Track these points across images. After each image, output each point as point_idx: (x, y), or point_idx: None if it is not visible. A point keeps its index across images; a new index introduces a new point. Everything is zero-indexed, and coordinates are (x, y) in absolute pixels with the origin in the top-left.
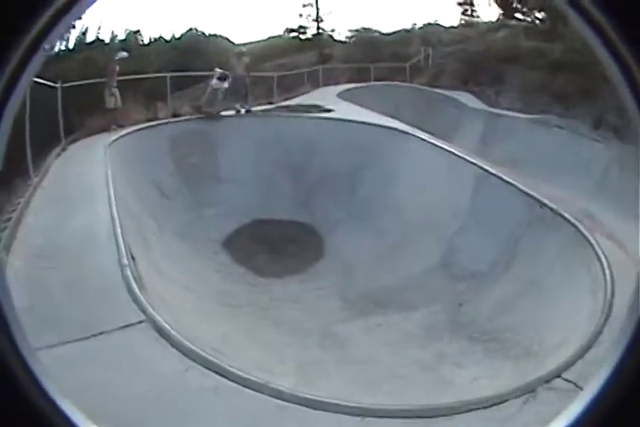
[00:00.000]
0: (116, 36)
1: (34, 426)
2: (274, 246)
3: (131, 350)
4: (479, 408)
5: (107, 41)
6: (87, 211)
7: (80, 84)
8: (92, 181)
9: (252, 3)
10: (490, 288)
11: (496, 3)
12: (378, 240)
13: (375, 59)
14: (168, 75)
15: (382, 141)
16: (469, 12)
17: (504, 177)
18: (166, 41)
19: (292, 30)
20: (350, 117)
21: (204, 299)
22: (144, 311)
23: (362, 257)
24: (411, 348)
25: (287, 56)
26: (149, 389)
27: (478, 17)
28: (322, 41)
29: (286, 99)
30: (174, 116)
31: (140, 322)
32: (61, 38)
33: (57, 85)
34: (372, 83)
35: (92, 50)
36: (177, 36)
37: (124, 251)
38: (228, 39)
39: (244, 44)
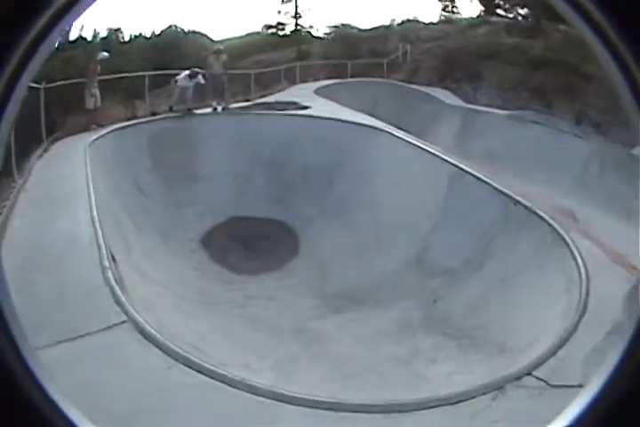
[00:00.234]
0: (98, 33)
1: (34, 426)
2: (250, 244)
3: (115, 349)
4: (449, 404)
5: (89, 39)
6: (69, 213)
7: (62, 84)
8: (73, 182)
9: None
10: (464, 285)
11: None
12: (353, 237)
13: (353, 55)
14: (147, 73)
15: (358, 139)
16: (450, 9)
17: (478, 175)
18: (146, 38)
19: (271, 27)
20: (327, 115)
21: (182, 297)
22: (126, 312)
23: (337, 254)
24: (386, 344)
25: (265, 53)
26: (134, 386)
27: (459, 13)
28: (300, 37)
29: (263, 96)
30: (153, 114)
31: (123, 322)
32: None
33: (40, 86)
34: (349, 79)
35: (75, 48)
36: (157, 32)
37: (105, 253)
38: (206, 36)
39: (222, 41)
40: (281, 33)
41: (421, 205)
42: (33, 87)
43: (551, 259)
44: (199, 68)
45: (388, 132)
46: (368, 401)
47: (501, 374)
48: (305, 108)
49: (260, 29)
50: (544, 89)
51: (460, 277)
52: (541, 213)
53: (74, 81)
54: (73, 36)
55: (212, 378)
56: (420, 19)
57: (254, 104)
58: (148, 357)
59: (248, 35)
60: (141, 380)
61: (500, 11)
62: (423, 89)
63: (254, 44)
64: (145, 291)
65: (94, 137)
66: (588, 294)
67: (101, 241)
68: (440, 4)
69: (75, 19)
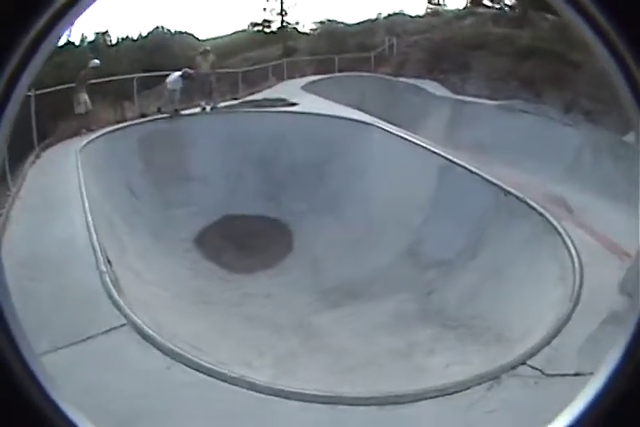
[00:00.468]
0: (86, 38)
1: (34, 426)
2: (243, 242)
3: (115, 352)
4: (445, 395)
5: (77, 44)
6: (64, 219)
7: (52, 91)
8: (66, 187)
9: None
10: (458, 276)
11: None
12: (346, 232)
13: (340, 50)
14: (135, 76)
15: (347, 134)
16: (436, 1)
17: (468, 166)
18: (133, 40)
19: (257, 24)
20: (315, 110)
21: (179, 298)
22: (125, 315)
23: (331, 249)
24: (383, 336)
25: (252, 50)
26: (134, 387)
27: (445, 5)
28: (286, 34)
29: (251, 93)
30: (142, 116)
31: (123, 325)
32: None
33: (30, 93)
34: (337, 74)
35: (64, 53)
36: (144, 34)
37: (100, 256)
38: (193, 36)
39: (208, 40)
40: (267, 30)
41: (412, 197)
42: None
43: (544, 248)
44: (189, 67)
45: (377, 126)
46: (365, 394)
47: (497, 364)
48: (293, 104)
49: (246, 27)
50: (533, 78)
51: (453, 268)
52: (532, 203)
53: (64, 87)
54: (61, 41)
55: (212, 376)
56: (407, 12)
57: (242, 102)
58: (147, 358)
59: (234, 33)
60: (142, 381)
61: (486, 1)
62: (411, 81)
63: (241, 43)
64: (142, 292)
65: (85, 142)
66: (581, 282)
67: (97, 245)
68: None
69: (75, 19)
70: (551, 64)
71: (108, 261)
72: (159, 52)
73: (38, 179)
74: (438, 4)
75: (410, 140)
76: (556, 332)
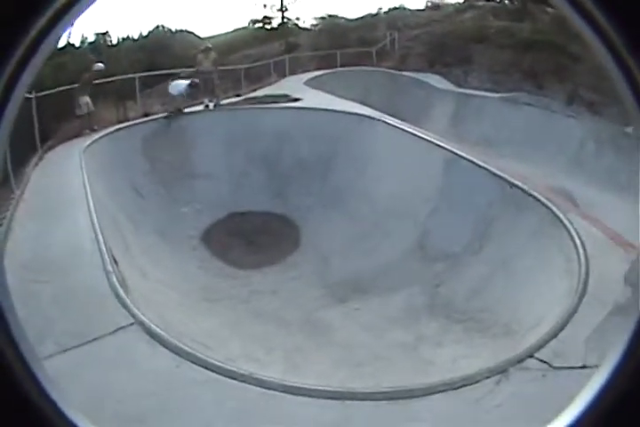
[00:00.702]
0: (86, 39)
1: (34, 426)
2: (251, 238)
3: (124, 352)
4: (453, 389)
5: (77, 45)
6: (69, 220)
7: (53, 92)
8: (70, 189)
9: None
10: (465, 269)
11: None
12: (352, 227)
13: (342, 45)
14: (137, 75)
15: (351, 128)
16: None
17: (474, 159)
18: (134, 40)
19: (257, 21)
20: (318, 106)
21: (186, 295)
22: (132, 314)
23: (338, 244)
24: (391, 330)
25: (254, 47)
26: (145, 386)
27: None
28: (287, 30)
29: (254, 90)
30: (145, 115)
31: (131, 324)
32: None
33: (31, 96)
34: (339, 69)
35: (64, 55)
36: (144, 34)
37: (107, 257)
38: (194, 34)
39: (209, 38)
40: (268, 27)
41: (418, 191)
42: (24, 97)
43: (550, 240)
44: (190, 66)
45: (381, 120)
46: (374, 389)
47: (505, 357)
48: (296, 100)
49: (246, 24)
50: (535, 71)
51: (460, 261)
52: (537, 195)
53: (65, 88)
54: (61, 42)
55: (221, 374)
56: (407, 6)
57: (245, 99)
58: (156, 356)
59: (235, 30)
60: (151, 380)
61: None
62: (414, 75)
63: (242, 40)
64: (149, 291)
65: (88, 142)
66: (587, 274)
67: (102, 245)
68: None
69: (75, 19)
70: (552, 56)
71: (115, 261)
72: (160, 51)
73: (42, 180)
74: None
75: (414, 134)
76: (563, 324)
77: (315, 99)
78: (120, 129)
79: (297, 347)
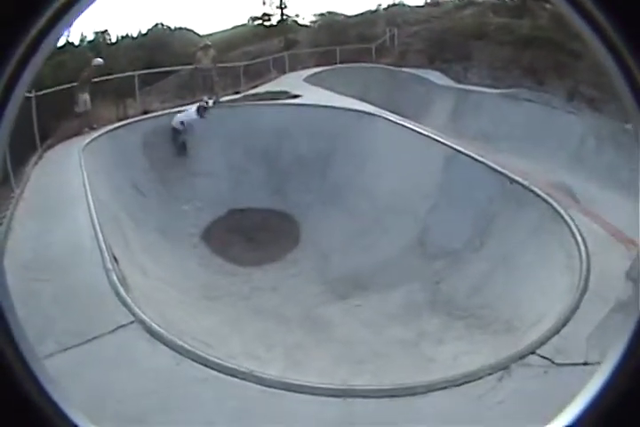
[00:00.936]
0: (85, 37)
1: (34, 426)
2: (251, 235)
3: (125, 350)
4: (455, 386)
5: (76, 44)
6: (69, 219)
7: (53, 91)
8: (70, 187)
9: None
10: (466, 265)
11: None
12: (352, 223)
13: (341, 41)
14: (136, 73)
15: (351, 125)
16: None
17: (473, 155)
18: (133, 38)
19: (257, 18)
20: (318, 102)
21: (187, 293)
22: (132, 312)
23: (338, 241)
24: (392, 327)
25: (253, 44)
26: (146, 385)
27: None
28: (287, 27)
29: (253, 87)
30: (144, 112)
31: (131, 323)
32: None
33: (31, 95)
34: (338, 65)
35: (64, 54)
36: (143, 32)
37: (107, 255)
38: (193, 31)
39: (209, 35)
40: (267, 24)
41: (418, 187)
42: (24, 96)
43: (551, 236)
44: (189, 64)
45: (381, 116)
46: (376, 386)
47: (507, 354)
48: (296, 96)
49: (246, 22)
50: (535, 67)
51: (461, 257)
52: (538, 191)
53: (64, 87)
54: (60, 41)
55: (222, 372)
56: (406, 2)
57: (245, 96)
58: (156, 355)
59: (235, 28)
60: (151, 378)
61: None
62: (413, 71)
63: (242, 37)
64: (149, 289)
65: (88, 140)
66: (588, 271)
67: (102, 244)
68: None
69: (74, 19)
70: (552, 53)
71: (115, 259)
72: (159, 49)
73: (41, 179)
74: None
75: (414, 130)
76: (565, 321)
77: (314, 95)
78: (119, 127)
79: (297, 344)
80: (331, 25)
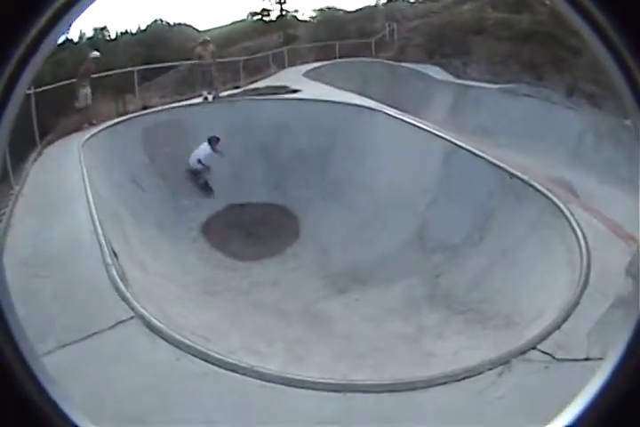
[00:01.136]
0: (85, 34)
1: (34, 426)
2: (250, 230)
3: (125, 345)
4: (455, 381)
5: (76, 40)
6: (68, 215)
7: (52, 88)
8: (69, 183)
9: None
10: (465, 260)
11: None
12: (352, 218)
13: (340, 36)
14: (135, 69)
15: (351, 119)
16: None
17: (473, 150)
18: (133, 34)
19: (256, 13)
20: (317, 97)
21: (187, 288)
22: (132, 308)
23: (337, 235)
24: (392, 321)
25: (252, 39)
26: (146, 380)
27: None
28: (286, 22)
29: (253, 82)
30: (144, 108)
31: (131, 318)
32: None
33: (30, 92)
34: (338, 60)
35: (63, 51)
36: (143, 28)
37: (106, 250)
38: (192, 27)
39: (208, 31)
40: (267, 19)
41: (418, 182)
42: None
43: (550, 231)
44: (188, 59)
45: (380, 111)
46: (376, 381)
47: (507, 349)
48: (295, 91)
49: (245, 17)
50: (534, 62)
51: (460, 252)
52: (538, 186)
53: (63, 83)
54: (60, 39)
55: (222, 367)
56: None
57: (244, 91)
58: (157, 350)
59: (234, 23)
60: (151, 373)
61: None
62: (413, 66)
63: (241, 32)
64: (149, 284)
65: (87, 136)
66: (589, 266)
67: (102, 239)
68: None
69: (75, 18)
70: (551, 48)
71: (115, 255)
72: (159, 44)
73: (41, 176)
74: None
75: (414, 125)
76: (566, 316)
77: (314, 90)
78: (119, 122)
79: (297, 339)
80: (330, 20)
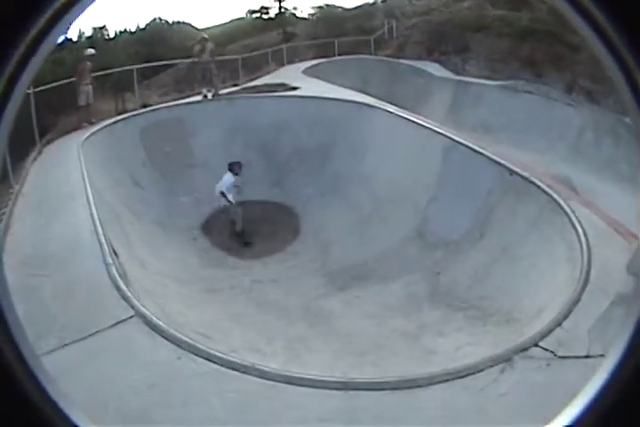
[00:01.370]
0: (83, 33)
1: (34, 426)
2: (250, 228)
3: (125, 344)
4: (457, 378)
5: (74, 40)
6: (68, 214)
7: (51, 87)
8: (69, 182)
9: None
10: (465, 257)
11: None
12: (352, 215)
13: (339, 34)
14: (134, 67)
15: (350, 116)
16: None
17: (473, 146)
18: (131, 33)
19: (255, 11)
20: (317, 94)
21: (187, 286)
22: (133, 306)
23: (337, 232)
24: (393, 318)
25: (251, 37)
26: (147, 379)
27: None
28: (285, 20)
29: (252, 79)
30: (144, 106)
31: (131, 317)
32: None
33: (29, 91)
34: (337, 57)
35: (62, 50)
36: (141, 26)
37: (107, 249)
38: (191, 25)
39: (207, 29)
40: (265, 17)
41: (418, 178)
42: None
43: (551, 228)
44: (188, 57)
45: (380, 107)
46: (377, 378)
47: (509, 346)
48: (294, 88)
49: (244, 15)
50: (533, 59)
51: (461, 248)
52: (538, 182)
53: (62, 82)
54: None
55: (223, 365)
56: None
57: (244, 88)
58: (157, 349)
59: (233, 21)
60: (153, 372)
61: None
62: (412, 63)
63: (240, 30)
64: (150, 283)
65: (86, 135)
66: (589, 263)
67: (102, 238)
68: None
69: (75, 18)
70: (551, 45)
71: (115, 253)
72: (158, 43)
73: (41, 175)
74: None
75: (414, 121)
76: (567, 313)
77: (313, 87)
78: (118, 121)
79: (298, 336)
80: (329, 17)
